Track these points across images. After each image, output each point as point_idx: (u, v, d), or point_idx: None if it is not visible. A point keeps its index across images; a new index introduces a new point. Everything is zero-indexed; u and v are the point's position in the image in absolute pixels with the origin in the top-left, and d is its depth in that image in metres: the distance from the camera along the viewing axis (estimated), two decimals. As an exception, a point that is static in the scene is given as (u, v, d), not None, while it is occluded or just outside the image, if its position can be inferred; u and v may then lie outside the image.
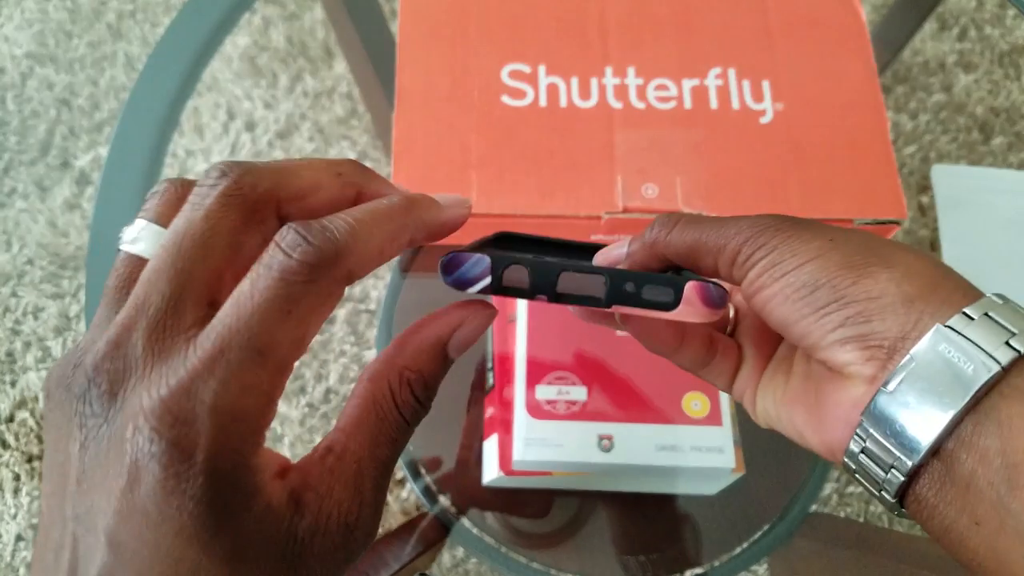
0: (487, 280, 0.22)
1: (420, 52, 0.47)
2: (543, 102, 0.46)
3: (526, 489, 0.48)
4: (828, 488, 0.75)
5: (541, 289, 0.22)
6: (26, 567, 0.79)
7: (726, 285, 0.24)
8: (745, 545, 0.49)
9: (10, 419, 0.86)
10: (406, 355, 0.22)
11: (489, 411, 0.45)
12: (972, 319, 0.20)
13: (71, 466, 0.18)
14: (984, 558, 0.19)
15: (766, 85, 0.47)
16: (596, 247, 0.27)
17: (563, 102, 0.46)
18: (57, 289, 0.90)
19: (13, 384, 0.87)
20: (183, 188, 0.21)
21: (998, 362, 0.19)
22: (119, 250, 0.21)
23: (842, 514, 0.58)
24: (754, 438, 0.43)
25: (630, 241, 0.26)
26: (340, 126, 0.84)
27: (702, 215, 0.25)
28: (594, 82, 0.47)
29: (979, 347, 0.19)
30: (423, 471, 0.50)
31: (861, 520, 0.57)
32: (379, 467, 0.20)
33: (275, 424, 0.81)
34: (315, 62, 0.90)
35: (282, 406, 0.81)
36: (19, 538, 0.81)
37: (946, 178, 0.66)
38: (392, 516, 0.74)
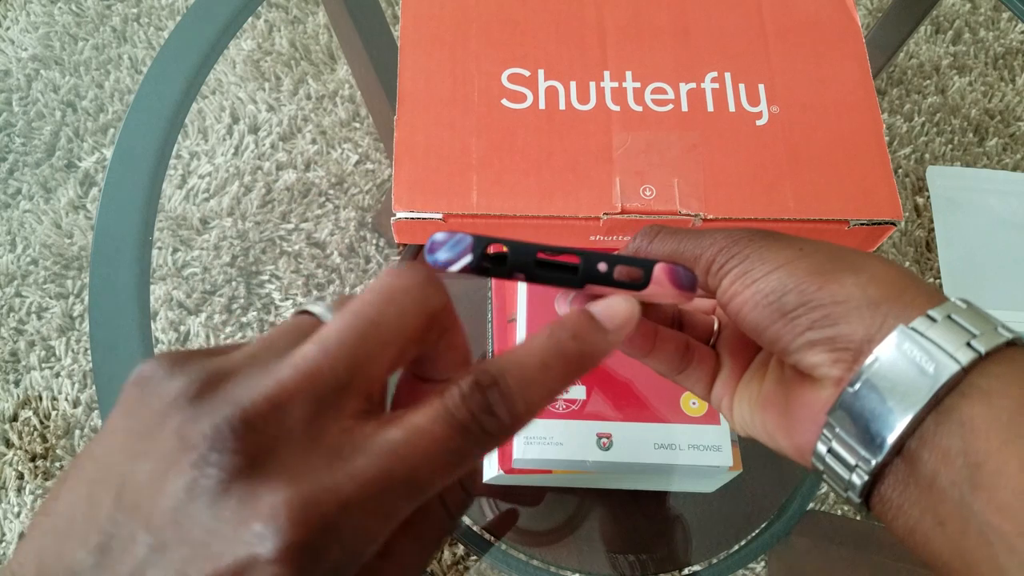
0: (468, 258, 0.22)
1: (421, 56, 0.48)
2: (542, 105, 0.47)
3: (526, 487, 0.49)
4: (825, 486, 0.75)
5: (519, 267, 0.23)
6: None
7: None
8: (743, 543, 0.49)
9: (14, 418, 0.86)
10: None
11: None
12: (935, 321, 0.20)
13: (150, 490, 0.16)
14: (949, 558, 0.19)
15: (762, 88, 0.48)
16: None
17: (562, 105, 0.47)
18: (61, 289, 0.91)
19: (17, 383, 0.88)
20: None
21: (958, 362, 0.19)
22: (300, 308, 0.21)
23: (839, 512, 0.58)
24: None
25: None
26: (343, 129, 0.85)
27: (681, 228, 0.26)
28: (592, 86, 0.48)
29: (940, 347, 0.20)
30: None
31: (858, 518, 0.58)
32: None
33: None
34: (318, 66, 0.90)
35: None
36: (22, 536, 0.81)
37: (941, 179, 0.66)
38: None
